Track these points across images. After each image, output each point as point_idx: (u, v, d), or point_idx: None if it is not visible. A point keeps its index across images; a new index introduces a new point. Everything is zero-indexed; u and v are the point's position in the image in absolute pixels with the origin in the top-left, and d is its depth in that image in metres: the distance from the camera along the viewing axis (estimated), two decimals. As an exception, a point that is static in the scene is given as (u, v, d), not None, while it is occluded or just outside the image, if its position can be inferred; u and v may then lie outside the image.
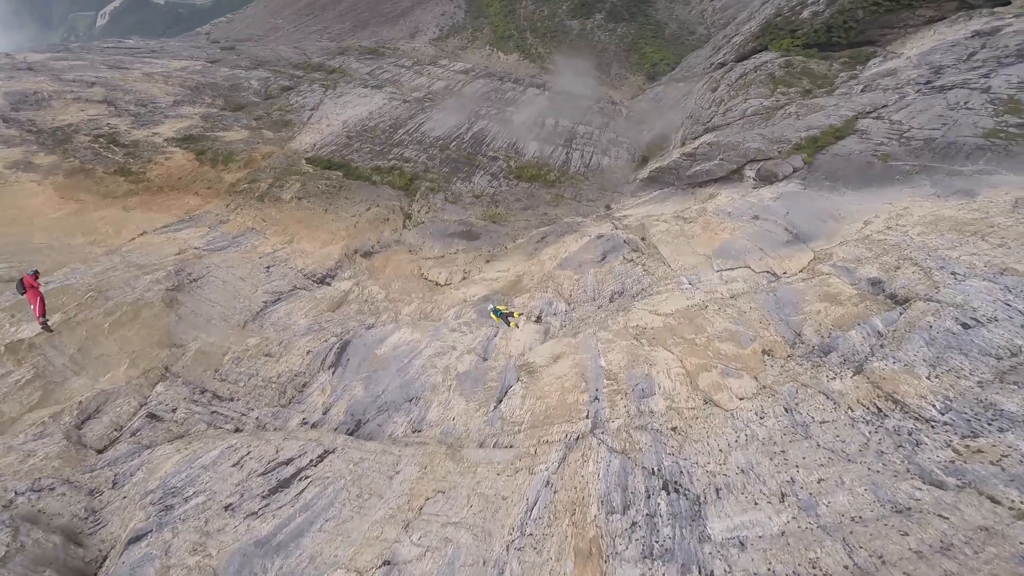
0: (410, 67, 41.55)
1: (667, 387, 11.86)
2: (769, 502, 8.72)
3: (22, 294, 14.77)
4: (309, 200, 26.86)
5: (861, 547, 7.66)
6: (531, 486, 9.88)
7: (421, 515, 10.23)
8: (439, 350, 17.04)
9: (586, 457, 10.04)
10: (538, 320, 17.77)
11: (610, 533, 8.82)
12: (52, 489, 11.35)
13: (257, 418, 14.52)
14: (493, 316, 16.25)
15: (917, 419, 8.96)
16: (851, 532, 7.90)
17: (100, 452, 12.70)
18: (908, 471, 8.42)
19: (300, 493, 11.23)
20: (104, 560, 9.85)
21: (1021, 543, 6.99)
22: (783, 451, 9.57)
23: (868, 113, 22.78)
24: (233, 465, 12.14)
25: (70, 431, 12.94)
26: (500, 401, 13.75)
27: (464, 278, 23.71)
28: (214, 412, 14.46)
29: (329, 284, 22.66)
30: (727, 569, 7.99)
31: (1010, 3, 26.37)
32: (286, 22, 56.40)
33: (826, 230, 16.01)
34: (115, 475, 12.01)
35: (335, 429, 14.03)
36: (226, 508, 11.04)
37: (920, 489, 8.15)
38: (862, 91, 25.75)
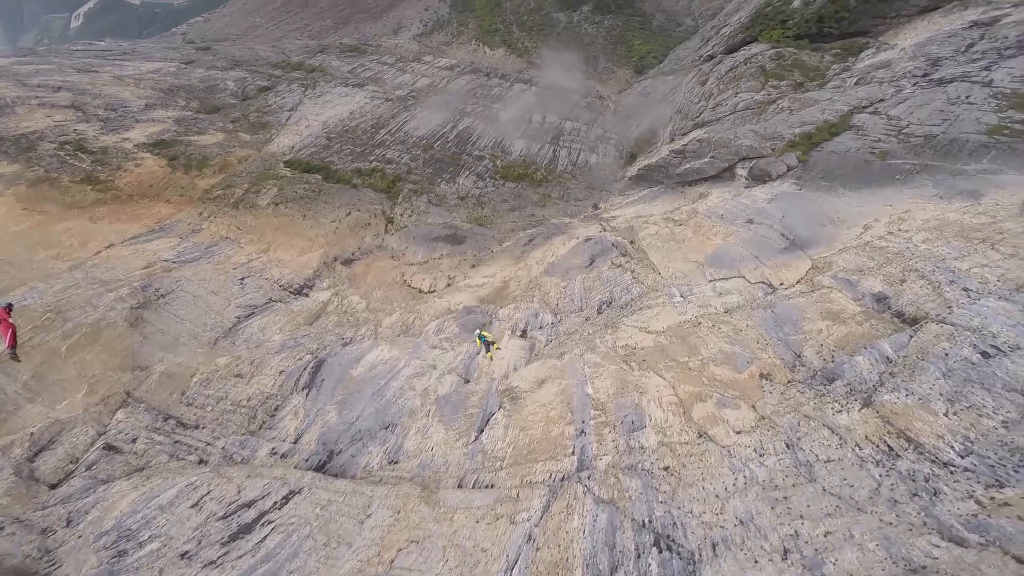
0: (393, 64, 39.78)
1: (659, 419, 10.76)
2: (771, 560, 7.67)
3: None
4: (287, 205, 25.37)
5: (875, 617, 6.66)
6: (512, 539, 8.78)
7: (392, 569, 9.15)
8: (418, 370, 15.87)
9: (571, 509, 8.93)
10: (523, 335, 16.60)
11: (596, 601, 7.77)
12: (1, 529, 10.29)
13: (223, 448, 13.33)
14: (478, 341, 15.22)
15: (934, 462, 7.90)
16: (863, 598, 6.90)
17: (53, 487, 11.53)
18: (925, 524, 7.38)
19: (262, 541, 10.12)
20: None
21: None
22: (786, 497, 8.51)
23: (864, 108, 21.55)
24: (192, 506, 11.00)
25: (21, 465, 11.76)
26: (481, 431, 12.64)
27: (449, 284, 22.46)
28: (177, 442, 13.25)
29: (307, 295, 21.33)
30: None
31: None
32: (265, 20, 54.10)
33: (824, 235, 14.87)
34: (69, 513, 10.88)
35: (306, 460, 12.92)
36: (182, 556, 9.94)
37: (938, 546, 7.11)
38: (856, 84, 24.49)
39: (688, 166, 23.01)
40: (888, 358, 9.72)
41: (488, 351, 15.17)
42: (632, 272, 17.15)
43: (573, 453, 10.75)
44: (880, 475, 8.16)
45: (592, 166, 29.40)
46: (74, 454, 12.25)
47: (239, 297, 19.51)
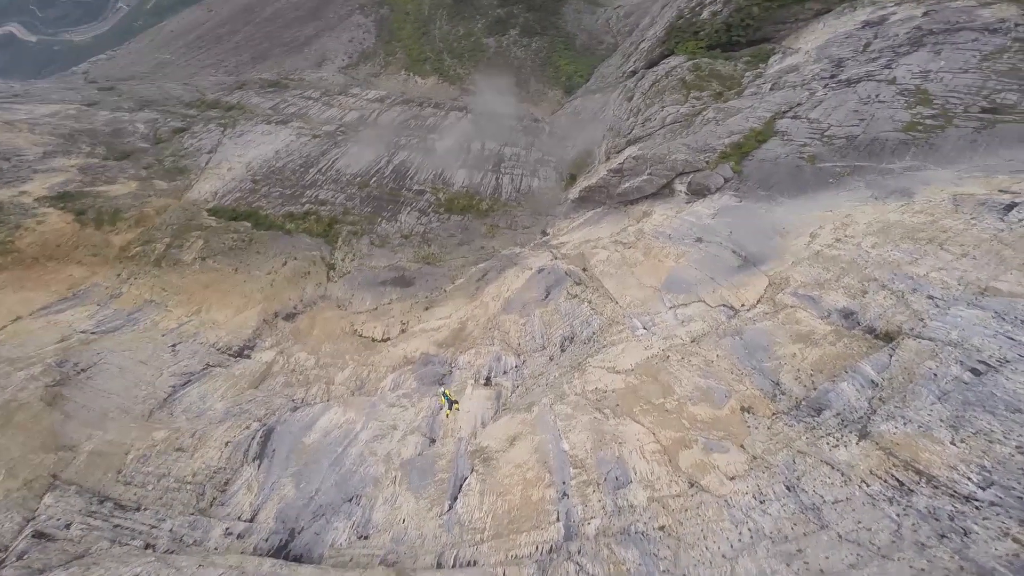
0: (318, 99, 37.47)
1: (644, 471, 9.60)
2: (800, 639, 6.60)
3: None
4: (215, 259, 22.69)
5: None
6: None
7: None
8: (378, 432, 14.05)
9: (565, 604, 7.57)
10: (487, 383, 15.12)
11: None
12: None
13: (171, 530, 11.43)
14: (441, 398, 13.65)
15: (954, 496, 7.10)
16: None
17: (-18, 581, 9.41)
18: (963, 569, 6.50)
19: None
20: None
21: None
22: (800, 550, 7.49)
23: (784, 113, 21.86)
24: (137, 604, 8.86)
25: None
26: (455, 499, 11.12)
27: (403, 330, 20.64)
28: (117, 526, 11.31)
29: (249, 356, 18.91)
30: None
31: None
32: (175, 57, 50.01)
33: (774, 248, 14.43)
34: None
35: (266, 540, 11.14)
36: None
37: (979, 597, 6.29)
38: (771, 90, 24.99)
39: (628, 185, 22.49)
40: (873, 381, 9.03)
41: (450, 408, 13.61)
42: (589, 303, 16.13)
43: (558, 519, 9.45)
44: (897, 515, 7.29)
45: (535, 191, 28.51)
46: (1, 542, 10.70)
47: (172, 365, 17.11)
